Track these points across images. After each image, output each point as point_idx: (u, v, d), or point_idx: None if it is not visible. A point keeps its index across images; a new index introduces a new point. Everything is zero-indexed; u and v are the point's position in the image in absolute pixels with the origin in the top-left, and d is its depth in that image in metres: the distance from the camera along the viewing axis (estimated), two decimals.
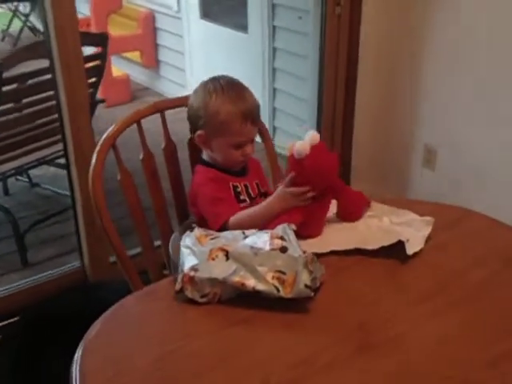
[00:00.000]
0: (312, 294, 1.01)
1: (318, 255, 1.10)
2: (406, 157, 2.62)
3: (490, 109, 2.25)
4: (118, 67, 4.28)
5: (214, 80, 1.33)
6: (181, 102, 1.51)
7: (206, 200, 1.30)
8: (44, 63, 2.01)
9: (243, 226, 1.17)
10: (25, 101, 2.42)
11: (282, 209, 1.21)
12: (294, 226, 1.09)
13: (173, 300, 1.06)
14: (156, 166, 1.43)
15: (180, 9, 4.08)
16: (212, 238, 1.08)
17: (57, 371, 1.14)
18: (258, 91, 2.83)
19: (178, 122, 1.59)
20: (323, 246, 1.19)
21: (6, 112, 2.37)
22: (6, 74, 2.24)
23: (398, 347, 0.97)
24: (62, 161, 2.28)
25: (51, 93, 2.14)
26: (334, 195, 1.28)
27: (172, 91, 4.19)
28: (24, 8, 5.38)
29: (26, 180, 2.98)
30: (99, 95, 2.80)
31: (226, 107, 1.28)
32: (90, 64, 2.46)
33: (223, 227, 1.23)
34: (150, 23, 4.40)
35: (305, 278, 0.99)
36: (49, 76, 1.98)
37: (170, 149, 1.47)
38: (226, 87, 1.31)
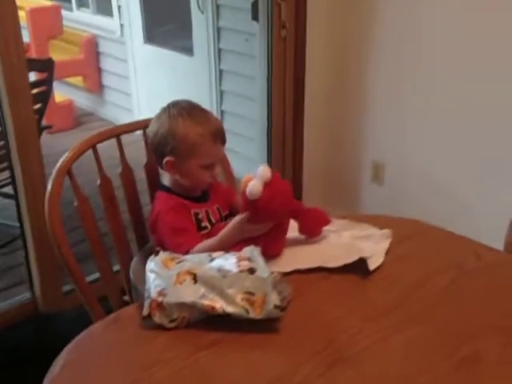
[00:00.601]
0: (282, 314, 1.01)
1: (282, 274, 1.11)
2: (356, 174, 2.68)
3: (435, 120, 2.34)
4: (60, 93, 4.21)
5: (175, 105, 1.33)
6: (136, 126, 1.52)
7: (167, 230, 1.29)
8: None
9: None
10: None
11: (238, 240, 1.22)
12: (259, 248, 1.10)
13: (140, 327, 1.04)
14: (113, 192, 1.41)
15: (123, 33, 4.07)
16: (178, 262, 1.07)
17: None
18: None
19: (131, 145, 1.58)
20: (287, 265, 1.20)
21: None
22: None
23: (368, 360, 0.99)
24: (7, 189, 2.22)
25: None
26: (292, 217, 1.30)
27: (118, 116, 4.15)
28: None
29: None
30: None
31: (195, 129, 1.29)
32: (36, 90, 2.42)
33: None
34: (92, 48, 4.36)
35: (274, 298, 1.00)
36: None
37: (127, 174, 1.45)
38: (189, 110, 1.31)
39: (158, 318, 1.01)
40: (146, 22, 3.87)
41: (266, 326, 1.02)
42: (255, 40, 2.71)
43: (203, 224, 1.34)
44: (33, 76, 3.20)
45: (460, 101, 2.23)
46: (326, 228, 1.32)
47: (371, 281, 1.19)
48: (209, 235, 1.31)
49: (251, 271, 1.02)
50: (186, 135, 1.29)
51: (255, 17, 2.55)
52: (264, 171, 1.19)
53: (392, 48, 2.39)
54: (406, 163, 2.48)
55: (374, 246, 1.27)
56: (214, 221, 1.35)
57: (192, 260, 1.08)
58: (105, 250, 1.41)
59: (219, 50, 3.21)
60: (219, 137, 1.32)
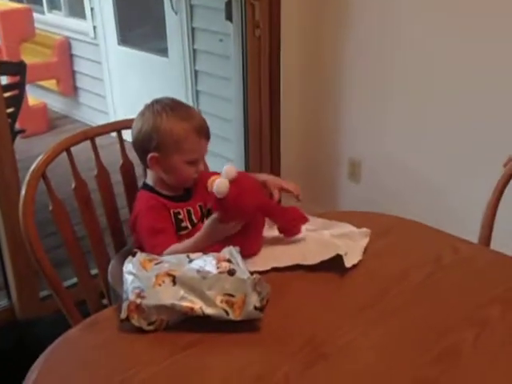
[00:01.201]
0: (261, 315, 1.01)
1: (260, 272, 1.11)
2: (333, 171, 2.69)
3: (412, 117, 2.36)
4: (33, 96, 4.15)
5: (158, 102, 1.33)
6: (110, 127, 1.50)
7: (145, 230, 1.29)
8: None
9: None
10: None
11: (213, 241, 1.22)
12: (238, 248, 1.09)
13: (118, 329, 1.03)
14: (89, 195, 1.40)
15: (97, 35, 4.03)
16: (157, 263, 1.06)
17: None
18: None
19: (107, 147, 1.56)
20: (264, 263, 1.20)
21: None
22: None
23: (348, 355, 1.00)
24: None
25: None
26: (266, 215, 1.30)
27: (93, 118, 4.11)
28: None
29: None
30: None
31: (180, 125, 1.29)
32: (8, 94, 2.38)
33: None
34: (65, 50, 4.32)
35: (254, 299, 0.99)
36: None
37: (103, 176, 1.44)
38: (173, 106, 1.31)
39: (136, 320, 1.00)
40: (119, 23, 3.84)
41: (245, 325, 1.02)
42: (229, 40, 2.71)
43: (183, 224, 1.33)
44: (4, 80, 3.16)
45: (436, 96, 2.26)
46: (304, 227, 1.32)
47: (349, 277, 1.20)
48: (189, 235, 1.30)
49: (231, 273, 1.01)
50: (170, 130, 1.28)
51: (229, 17, 2.55)
52: (229, 169, 1.19)
53: (367, 45, 2.40)
54: (382, 160, 2.50)
55: (352, 244, 1.27)
56: (195, 221, 1.34)
57: (171, 261, 1.07)
58: (82, 253, 1.40)
59: (194, 51, 3.20)
60: (203, 132, 1.32)
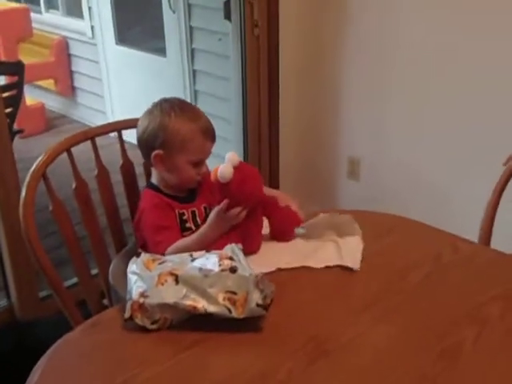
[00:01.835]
0: (264, 312, 1.01)
1: (264, 273, 1.11)
2: (332, 170, 2.70)
3: (411, 115, 2.37)
4: (31, 96, 4.14)
5: (167, 101, 1.33)
6: (111, 128, 1.50)
7: (149, 227, 1.29)
8: None
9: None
10: None
11: (217, 235, 1.24)
12: (240, 246, 1.10)
13: (121, 329, 1.04)
14: (90, 195, 1.40)
15: (94, 35, 4.02)
16: (160, 263, 1.06)
17: None
18: None
19: (107, 147, 1.56)
20: (268, 265, 1.20)
21: None
22: None
23: (351, 353, 1.00)
24: None
25: None
26: (264, 211, 1.30)
27: (92, 118, 4.10)
28: None
29: None
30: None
31: (188, 125, 1.29)
32: (6, 94, 2.38)
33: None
34: (63, 50, 4.31)
35: (256, 296, 1.00)
36: None
37: (103, 176, 1.44)
38: (181, 106, 1.32)
39: (139, 319, 1.00)
40: (117, 23, 3.83)
41: (248, 324, 1.02)
42: (228, 39, 2.71)
43: (188, 225, 1.33)
44: (2, 80, 3.16)
45: (435, 95, 2.26)
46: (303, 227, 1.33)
47: (351, 275, 1.20)
48: None
49: (233, 270, 1.01)
50: (177, 130, 1.29)
51: (228, 16, 2.55)
52: (232, 156, 1.22)
53: (366, 44, 2.41)
54: (381, 159, 2.50)
55: (350, 248, 1.28)
56: (199, 222, 1.34)
57: (173, 260, 1.08)
58: (82, 253, 1.40)
59: (192, 50, 3.20)
60: (210, 134, 1.33)
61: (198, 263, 1.05)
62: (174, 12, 3.23)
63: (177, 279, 1.01)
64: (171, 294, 1.00)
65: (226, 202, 1.22)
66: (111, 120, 3.85)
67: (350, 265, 1.21)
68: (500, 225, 1.52)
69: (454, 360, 0.98)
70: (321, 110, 2.66)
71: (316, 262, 1.22)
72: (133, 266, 1.07)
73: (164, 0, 3.27)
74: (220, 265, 1.02)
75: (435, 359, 0.98)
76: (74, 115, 4.40)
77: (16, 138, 2.82)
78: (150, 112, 1.34)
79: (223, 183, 1.20)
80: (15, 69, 2.49)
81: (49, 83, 4.39)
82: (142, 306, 1.00)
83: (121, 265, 1.34)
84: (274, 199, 1.32)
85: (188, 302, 1.00)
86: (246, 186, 1.22)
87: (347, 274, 1.21)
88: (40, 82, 4.37)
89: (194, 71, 3.24)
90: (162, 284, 1.01)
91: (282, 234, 1.32)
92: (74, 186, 1.38)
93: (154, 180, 1.38)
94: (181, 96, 3.24)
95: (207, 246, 1.21)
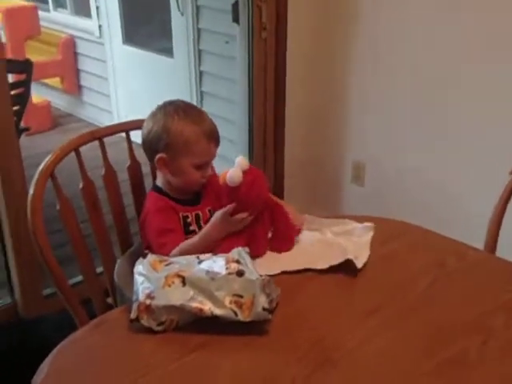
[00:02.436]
0: (270, 316, 1.01)
1: (270, 276, 1.11)
2: (336, 174, 2.70)
3: (416, 121, 2.36)
4: (37, 94, 4.15)
5: (171, 103, 1.33)
6: (119, 128, 1.51)
7: (153, 230, 1.30)
8: None
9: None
10: None
11: (220, 236, 1.24)
12: (247, 249, 1.10)
13: (126, 330, 1.04)
14: (97, 195, 1.40)
15: (102, 34, 4.03)
16: (167, 264, 1.07)
17: None
18: None
19: (114, 146, 1.57)
20: (274, 267, 1.20)
21: None
22: None
23: (355, 360, 1.00)
24: None
25: None
26: (270, 212, 1.30)
27: (97, 117, 4.11)
28: None
29: None
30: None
31: (191, 128, 1.29)
32: (14, 92, 2.39)
33: None
34: (70, 48, 4.32)
35: (262, 300, 1.00)
36: None
37: (111, 176, 1.44)
38: (185, 109, 1.32)
39: (145, 320, 1.01)
40: (124, 22, 3.84)
41: (253, 327, 1.02)
42: (236, 42, 2.71)
43: (191, 228, 1.34)
44: (10, 77, 3.16)
45: (442, 100, 2.25)
46: (305, 227, 1.33)
47: (356, 281, 1.20)
48: None
49: (239, 274, 1.02)
50: (181, 132, 1.29)
51: (236, 19, 2.55)
52: (242, 160, 1.22)
53: (375, 48, 2.41)
54: (387, 164, 2.50)
55: (357, 242, 1.28)
56: (203, 225, 1.34)
57: (180, 262, 1.08)
58: (88, 251, 1.40)
59: (199, 52, 3.21)
60: (214, 137, 1.33)
61: (204, 266, 1.05)
62: (182, 14, 3.23)
63: (184, 281, 1.01)
64: (178, 295, 1.00)
65: (232, 205, 1.22)
66: (116, 119, 3.86)
67: (352, 258, 1.20)
68: (506, 233, 1.52)
69: (458, 369, 0.98)
70: (327, 113, 2.66)
71: (320, 262, 1.22)
72: (139, 267, 1.07)
73: (172, 1, 3.27)
74: (227, 268, 1.02)
75: (440, 368, 0.98)
76: (79, 114, 4.41)
77: (22, 136, 2.83)
78: (154, 114, 1.34)
79: (231, 187, 1.21)
80: (24, 67, 2.50)
81: (55, 81, 4.40)
82: (148, 308, 1.00)
83: (126, 265, 1.35)
84: (280, 204, 1.33)
85: (194, 304, 1.00)
86: (255, 190, 1.22)
87: (352, 279, 1.20)
88: (46, 80, 4.38)
89: (201, 72, 3.25)
90: (169, 286, 1.01)
91: (284, 240, 1.32)
92: (81, 185, 1.38)
93: (158, 182, 1.38)
94: (187, 97, 3.29)
95: (211, 246, 1.21)
